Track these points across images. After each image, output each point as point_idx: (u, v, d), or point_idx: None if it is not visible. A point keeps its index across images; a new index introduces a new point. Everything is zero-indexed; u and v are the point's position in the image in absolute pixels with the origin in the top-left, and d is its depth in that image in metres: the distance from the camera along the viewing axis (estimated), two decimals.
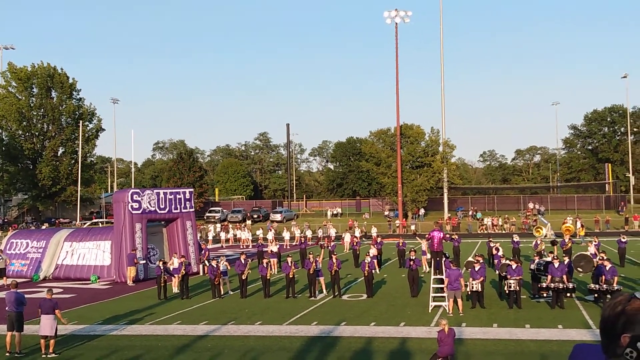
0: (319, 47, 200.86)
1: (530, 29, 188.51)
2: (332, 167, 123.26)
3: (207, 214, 73.69)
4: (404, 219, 65.40)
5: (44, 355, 15.82)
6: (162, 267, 25.35)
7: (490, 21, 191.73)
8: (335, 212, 78.21)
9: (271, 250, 33.62)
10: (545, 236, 48.02)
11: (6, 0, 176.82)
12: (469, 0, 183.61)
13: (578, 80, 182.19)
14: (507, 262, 22.38)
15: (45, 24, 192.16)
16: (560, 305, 20.57)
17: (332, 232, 52.52)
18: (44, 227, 53.43)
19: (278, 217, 71.20)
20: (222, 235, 53.61)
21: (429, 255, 30.18)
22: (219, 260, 25.93)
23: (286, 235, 50.02)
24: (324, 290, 24.66)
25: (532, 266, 22.81)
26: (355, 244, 35.90)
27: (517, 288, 20.84)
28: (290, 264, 24.40)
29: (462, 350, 15.17)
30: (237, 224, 63.89)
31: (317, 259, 24.95)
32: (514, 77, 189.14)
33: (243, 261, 25.13)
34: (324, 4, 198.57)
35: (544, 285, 21.24)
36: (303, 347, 16.26)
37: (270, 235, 47.40)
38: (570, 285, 20.92)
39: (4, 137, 69.21)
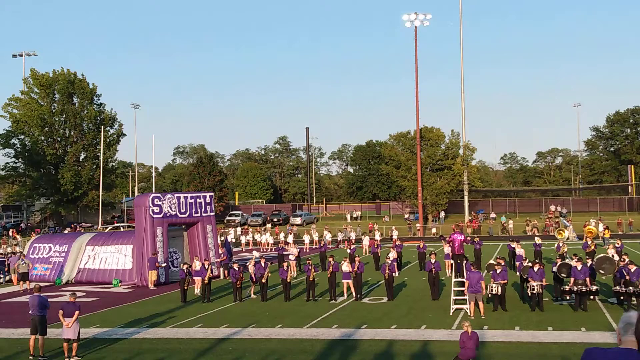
0: (338, 51, 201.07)
1: (551, 30, 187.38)
2: (351, 170, 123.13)
3: (228, 218, 73.93)
4: (424, 222, 65.18)
5: (66, 358, 15.94)
6: (185, 271, 25.47)
7: (510, 23, 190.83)
8: (355, 215, 78.10)
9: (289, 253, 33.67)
10: (568, 238, 47.65)
11: (27, 7, 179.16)
12: (488, 2, 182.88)
13: (600, 82, 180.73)
14: (529, 264, 22.20)
15: (66, 30, 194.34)
16: (583, 307, 20.37)
17: (352, 235, 52.47)
18: (66, 231, 53.92)
19: (298, 220, 71.25)
20: (243, 239, 53.78)
21: (452, 260, 30.06)
22: (247, 262, 25.94)
23: (306, 238, 50.04)
24: (345, 294, 24.61)
25: (554, 269, 22.60)
26: (375, 246, 35.80)
27: (540, 291, 20.67)
28: (310, 267, 24.40)
29: (483, 353, 15.07)
30: (257, 228, 64.02)
31: (357, 260, 24.71)
32: (535, 79, 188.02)
33: (263, 264, 25.17)
34: (343, 8, 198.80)
35: (567, 288, 21.03)
36: (324, 350, 16.24)
37: (290, 239, 47.46)
38: (594, 288, 20.71)
39: (26, 142, 69.95)
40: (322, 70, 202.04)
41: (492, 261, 24.48)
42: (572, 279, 20.75)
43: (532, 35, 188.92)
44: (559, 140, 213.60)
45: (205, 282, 25.42)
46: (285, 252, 35.89)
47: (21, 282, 30.17)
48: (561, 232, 49.47)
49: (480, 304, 20.06)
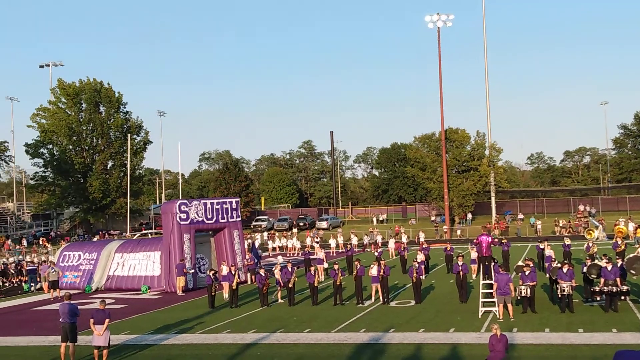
0: (361, 53, 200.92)
1: (576, 27, 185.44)
2: (377, 173, 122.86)
3: (254, 223, 74.18)
4: (450, 224, 64.83)
5: None
6: (212, 277, 25.60)
7: (534, 21, 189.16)
8: (381, 219, 77.92)
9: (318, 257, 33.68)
10: (597, 238, 47.04)
11: (53, 18, 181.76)
12: (511, 1, 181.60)
13: (627, 79, 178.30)
14: (558, 265, 21.97)
15: (92, 40, 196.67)
16: (614, 308, 20.09)
17: (379, 238, 52.32)
18: (95, 239, 54.50)
19: (324, 224, 71.25)
20: (269, 243, 53.95)
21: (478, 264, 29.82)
22: (273, 268, 26.02)
23: (332, 242, 50.02)
24: (373, 297, 24.55)
25: (584, 269, 22.33)
26: (402, 249, 35.67)
27: (570, 292, 20.44)
28: (337, 271, 24.39)
29: (513, 355, 14.94)
30: (284, 232, 64.14)
31: (382, 263, 24.66)
32: (561, 78, 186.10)
33: (290, 269, 25.23)
34: (366, 10, 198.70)
35: (597, 288, 20.76)
36: (352, 354, 16.22)
37: (316, 243, 47.51)
38: (624, 288, 20.41)
39: (55, 152, 70.84)
40: (346, 73, 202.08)
41: (520, 263, 24.24)
42: (602, 280, 20.49)
43: (558, 33, 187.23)
44: (587, 139, 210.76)
45: (233, 287, 25.53)
46: (312, 257, 35.91)
47: (51, 290, 30.56)
48: (590, 232, 48.84)
49: (509, 306, 19.89)
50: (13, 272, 39.12)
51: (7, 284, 36.85)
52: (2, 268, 39.36)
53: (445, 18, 63.62)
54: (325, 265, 32.99)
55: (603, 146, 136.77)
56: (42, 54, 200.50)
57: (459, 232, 61.70)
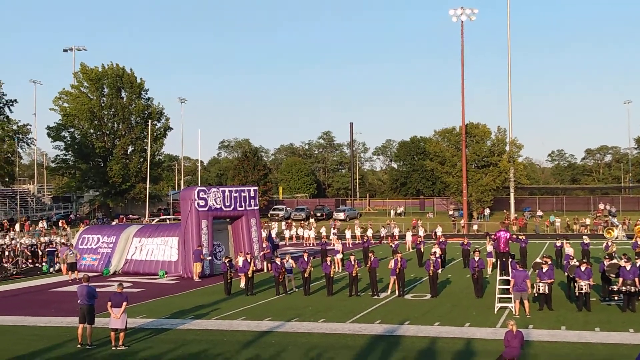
0: (383, 45, 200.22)
1: (602, 25, 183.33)
2: (395, 166, 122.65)
3: (271, 212, 74.34)
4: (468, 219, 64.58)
5: (113, 347, 16.27)
6: (227, 264, 25.73)
7: (559, 17, 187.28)
8: (398, 211, 77.76)
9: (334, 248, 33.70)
10: (617, 238, 46.64)
11: (77, 2, 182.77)
12: None
13: None
14: (577, 263, 21.81)
15: (115, 25, 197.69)
16: (632, 308, 19.93)
17: (396, 231, 52.21)
18: (114, 223, 54.94)
19: (341, 215, 71.23)
20: (286, 233, 54.07)
21: (494, 257, 29.70)
22: (284, 257, 26.12)
23: (348, 233, 49.99)
24: (389, 290, 24.52)
25: (603, 268, 22.14)
26: (418, 242, 35.59)
27: (588, 290, 20.30)
28: (353, 262, 24.39)
29: (529, 352, 14.88)
30: (301, 222, 64.21)
31: (399, 257, 24.56)
32: (584, 75, 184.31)
33: (306, 259, 25.28)
34: (389, 3, 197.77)
35: (615, 288, 20.59)
36: (366, 346, 16.24)
37: (333, 234, 47.54)
38: None
39: (76, 135, 71.40)
40: (366, 65, 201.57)
41: (538, 260, 24.10)
42: (620, 279, 20.32)
43: (583, 30, 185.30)
44: (609, 138, 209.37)
45: (249, 275, 25.63)
46: (329, 247, 35.93)
47: (69, 272, 30.87)
48: (610, 231, 48.43)
49: (526, 302, 19.79)
50: (29, 253, 39.58)
51: (24, 265, 37.22)
52: (28, 249, 39.80)
53: (470, 12, 63.19)
54: (341, 256, 33.03)
55: (625, 145, 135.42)
56: (66, 38, 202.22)
57: (474, 227, 61.31)
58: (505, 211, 67.73)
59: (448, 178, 69.60)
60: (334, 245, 35.58)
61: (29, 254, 39.56)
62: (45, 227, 56.85)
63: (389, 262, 24.80)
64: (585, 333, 17.09)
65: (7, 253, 39.32)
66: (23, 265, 36.40)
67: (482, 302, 22.16)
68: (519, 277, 19.86)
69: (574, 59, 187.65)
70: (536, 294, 20.73)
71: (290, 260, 26.04)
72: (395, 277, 24.24)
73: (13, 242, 41.61)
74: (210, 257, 30.94)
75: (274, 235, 46.48)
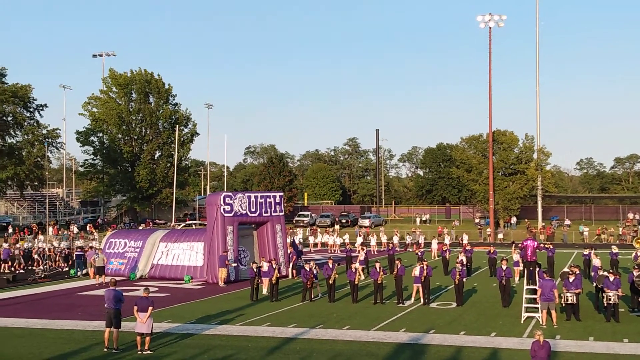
0: (410, 52, 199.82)
1: (631, 32, 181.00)
2: (421, 173, 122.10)
3: (296, 218, 74.39)
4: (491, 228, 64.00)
5: (139, 352, 16.39)
6: (255, 270, 25.78)
7: (589, 24, 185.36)
8: (424, 219, 77.38)
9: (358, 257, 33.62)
10: None
11: (107, 9, 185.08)
12: (566, 2, 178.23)
13: None
14: (605, 273, 21.51)
15: (143, 31, 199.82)
16: None
17: (421, 238, 51.96)
18: (140, 227, 55.39)
19: (366, 222, 71.03)
20: (311, 239, 54.04)
21: (521, 266, 29.40)
22: (309, 263, 26.12)
23: (372, 240, 49.82)
24: (413, 297, 24.40)
25: (633, 279, 21.79)
26: (444, 250, 35.39)
27: (617, 301, 20.01)
28: (378, 270, 24.31)
29: None
30: (326, 229, 64.18)
31: (425, 264, 24.47)
32: (614, 82, 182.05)
33: (331, 265, 25.25)
34: (416, 9, 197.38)
35: None
36: (391, 354, 16.17)
37: (359, 241, 47.41)
38: None
39: (105, 140, 72.14)
40: (393, 71, 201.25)
41: (566, 269, 23.82)
42: None
43: (611, 37, 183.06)
44: (639, 146, 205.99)
45: (273, 281, 25.66)
46: (353, 254, 35.87)
47: (97, 276, 31.17)
48: (639, 241, 47.68)
49: (553, 312, 19.56)
50: (54, 256, 40.04)
51: (52, 269, 37.67)
52: (63, 253, 40.24)
53: (498, 18, 62.78)
54: (363, 265, 32.91)
55: None
56: (95, 43, 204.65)
57: (500, 235, 60.62)
58: (526, 220, 67.11)
59: (474, 186, 69.10)
60: (358, 253, 35.50)
61: (62, 257, 40.00)
62: (74, 232, 57.51)
63: (412, 270, 24.68)
64: (614, 344, 16.84)
65: (35, 257, 39.84)
66: (51, 269, 36.81)
67: (508, 312, 21.95)
68: (546, 286, 19.65)
69: (603, 66, 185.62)
70: (564, 304, 20.49)
71: (315, 267, 26.02)
72: (418, 285, 24.14)
73: (43, 245, 42.12)
74: (235, 263, 31.04)
75: (297, 241, 46.47)
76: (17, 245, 42.02)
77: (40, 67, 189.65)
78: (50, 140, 67.80)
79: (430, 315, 21.70)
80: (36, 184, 68.90)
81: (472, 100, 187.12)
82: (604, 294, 20.43)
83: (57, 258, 40.08)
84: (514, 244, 33.55)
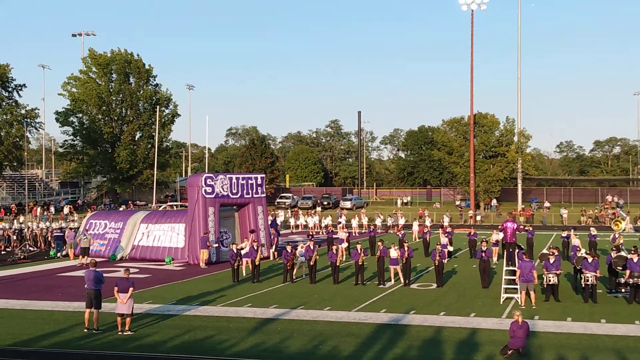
0: (392, 34, 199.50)
1: (612, 16, 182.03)
2: (403, 155, 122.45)
3: (278, 200, 74.42)
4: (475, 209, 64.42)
5: (120, 332, 16.35)
6: (235, 251, 25.76)
7: (569, 8, 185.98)
8: (405, 201, 77.68)
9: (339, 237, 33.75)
10: (624, 230, 46.51)
11: None
12: None
13: None
14: (584, 254, 21.76)
15: (124, 10, 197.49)
16: (638, 300, 19.89)
17: (402, 220, 52.18)
18: (121, 209, 55.09)
19: (348, 204, 71.21)
20: (292, 221, 54.07)
21: (500, 247, 29.66)
22: (296, 244, 26.12)
23: (354, 222, 49.92)
24: (392, 279, 24.54)
25: (610, 260, 22.05)
26: (425, 232, 35.60)
27: (594, 282, 20.26)
28: (359, 251, 24.39)
29: (534, 343, 14.87)
30: (307, 211, 64.21)
31: (406, 245, 24.49)
32: (594, 66, 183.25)
33: (312, 247, 25.28)
34: None
35: (622, 280, 20.55)
36: (372, 334, 16.26)
37: (342, 221, 47.48)
38: None
39: (84, 121, 71.48)
40: (374, 53, 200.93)
41: (545, 250, 24.06)
42: (627, 272, 20.27)
43: (592, 21, 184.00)
44: (618, 129, 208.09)
45: (256, 263, 25.65)
46: (335, 236, 35.96)
47: (80, 256, 31.00)
48: (618, 223, 48.31)
49: (532, 293, 19.76)
50: (43, 237, 39.68)
51: (32, 249, 37.36)
52: (42, 233, 39.87)
53: (480, 1, 62.81)
54: (346, 244, 33.06)
55: (634, 137, 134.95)
56: (75, 23, 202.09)
57: (478, 217, 60.79)
58: (497, 204, 67.76)
59: (455, 168, 69.47)
60: (339, 234, 35.60)
61: (42, 238, 39.67)
62: (53, 213, 57.08)
63: (389, 251, 24.65)
64: (591, 325, 17.07)
65: (14, 237, 39.49)
66: (31, 249, 36.52)
67: (488, 293, 22.16)
68: (525, 267, 19.84)
69: (584, 50, 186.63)
70: (545, 285, 20.70)
71: (301, 247, 26.03)
72: (395, 267, 24.28)
73: (22, 226, 41.72)
74: (216, 244, 31.00)
75: (278, 222, 46.45)
76: None
77: (18, 46, 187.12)
78: (29, 120, 67.07)
79: (410, 296, 21.83)
80: (15, 164, 68.20)
81: (454, 83, 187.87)
82: (582, 275, 20.68)
83: (39, 239, 39.73)
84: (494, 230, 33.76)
